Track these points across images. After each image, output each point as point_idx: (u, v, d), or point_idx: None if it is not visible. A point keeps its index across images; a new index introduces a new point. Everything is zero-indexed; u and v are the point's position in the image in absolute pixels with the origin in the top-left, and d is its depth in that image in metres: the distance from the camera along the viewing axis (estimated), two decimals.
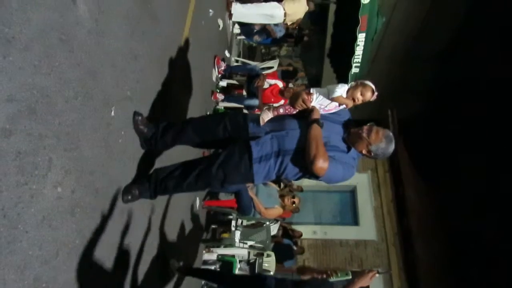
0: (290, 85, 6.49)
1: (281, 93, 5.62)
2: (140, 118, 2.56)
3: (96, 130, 2.07)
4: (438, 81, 8.25)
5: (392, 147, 2.36)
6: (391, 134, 2.37)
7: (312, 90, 2.57)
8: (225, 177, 2.40)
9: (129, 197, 2.42)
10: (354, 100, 2.55)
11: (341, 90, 2.54)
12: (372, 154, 2.35)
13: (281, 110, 2.55)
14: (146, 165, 2.79)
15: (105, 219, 2.21)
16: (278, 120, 2.51)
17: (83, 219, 1.95)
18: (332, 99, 2.54)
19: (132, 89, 2.54)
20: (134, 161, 2.65)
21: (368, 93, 2.53)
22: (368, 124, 2.40)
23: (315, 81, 9.46)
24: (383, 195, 9.81)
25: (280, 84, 5.74)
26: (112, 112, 2.26)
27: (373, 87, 2.52)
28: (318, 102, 2.56)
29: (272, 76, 6.16)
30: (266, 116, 2.53)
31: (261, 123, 2.50)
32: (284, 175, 2.46)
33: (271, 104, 2.64)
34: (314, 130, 2.30)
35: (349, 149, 2.41)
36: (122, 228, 2.46)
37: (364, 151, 2.38)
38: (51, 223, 1.68)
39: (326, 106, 2.56)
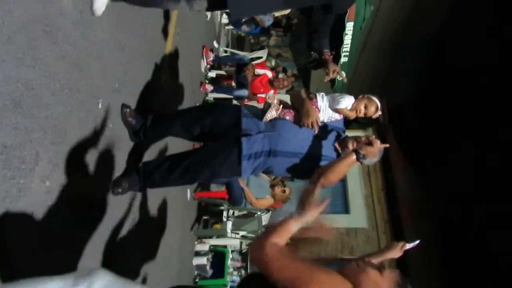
0: (280, 75, 6.47)
1: (270, 83, 5.62)
2: (128, 110, 2.53)
3: (83, 123, 2.05)
4: (427, 70, 8.30)
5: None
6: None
7: (319, 97, 2.56)
8: (212, 172, 2.40)
9: (119, 190, 2.41)
10: (356, 111, 2.55)
11: (347, 102, 2.54)
12: (362, 164, 2.35)
13: (287, 117, 2.49)
14: (135, 157, 2.77)
15: (94, 212, 2.20)
16: (272, 120, 2.49)
17: (72, 213, 1.94)
18: (336, 110, 2.54)
19: (120, 81, 2.51)
20: (123, 153, 2.64)
21: (372, 108, 2.55)
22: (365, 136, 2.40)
23: (305, 71, 9.45)
24: (373, 183, 9.88)
25: (269, 74, 5.73)
26: (100, 105, 2.23)
27: (379, 104, 2.53)
28: (327, 115, 2.56)
29: (261, 66, 6.13)
30: (271, 115, 2.47)
31: (264, 120, 2.45)
32: (271, 173, 2.49)
33: (279, 104, 2.57)
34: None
35: (338, 155, 2.44)
36: (112, 221, 2.46)
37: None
38: (40, 217, 1.67)
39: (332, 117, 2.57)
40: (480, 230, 6.10)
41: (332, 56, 2.61)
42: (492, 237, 5.79)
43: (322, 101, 2.57)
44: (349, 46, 6.74)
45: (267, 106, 2.50)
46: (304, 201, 1.48)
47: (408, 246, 2.24)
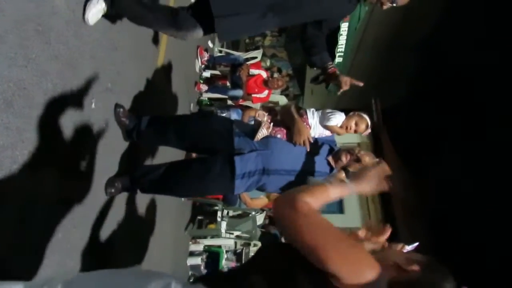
0: (275, 75, 6.48)
1: (265, 83, 5.62)
2: (121, 110, 2.52)
3: (76, 123, 2.04)
4: (422, 70, 8.33)
5: None
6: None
7: (309, 114, 2.56)
8: (204, 187, 2.41)
9: (112, 190, 2.41)
10: (347, 128, 2.56)
11: (338, 119, 2.55)
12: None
13: (279, 136, 2.49)
14: (129, 157, 2.76)
15: (87, 212, 2.19)
16: (263, 138, 2.48)
17: (66, 213, 1.94)
18: (326, 127, 2.55)
19: (113, 81, 2.50)
20: (117, 153, 2.63)
21: (363, 125, 2.57)
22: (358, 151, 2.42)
23: (299, 72, 9.45)
24: None
25: (264, 74, 5.73)
26: (93, 105, 2.22)
27: (369, 122, 2.55)
28: (318, 131, 2.57)
29: (256, 66, 6.13)
30: (262, 134, 2.46)
31: (256, 139, 2.44)
32: (265, 190, 2.51)
33: (270, 122, 2.56)
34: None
35: (331, 170, 2.46)
36: (105, 221, 2.45)
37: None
38: (32, 218, 1.66)
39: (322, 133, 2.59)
40: (475, 230, 6.13)
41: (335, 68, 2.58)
42: (488, 236, 5.83)
43: (312, 118, 2.58)
44: (343, 46, 6.77)
45: (258, 124, 2.49)
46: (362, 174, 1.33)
47: (408, 248, 2.21)
